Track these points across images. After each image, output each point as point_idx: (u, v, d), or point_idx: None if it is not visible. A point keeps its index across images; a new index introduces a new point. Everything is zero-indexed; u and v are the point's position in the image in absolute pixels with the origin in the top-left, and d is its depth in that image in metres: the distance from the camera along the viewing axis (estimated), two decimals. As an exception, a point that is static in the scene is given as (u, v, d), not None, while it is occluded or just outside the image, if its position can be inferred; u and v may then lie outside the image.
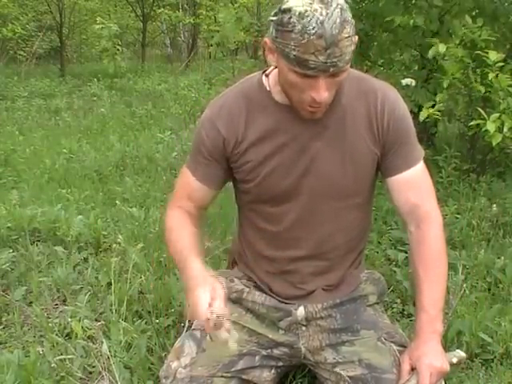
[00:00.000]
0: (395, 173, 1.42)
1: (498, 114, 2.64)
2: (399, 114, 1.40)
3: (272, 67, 1.41)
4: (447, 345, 1.81)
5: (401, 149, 1.40)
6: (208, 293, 1.27)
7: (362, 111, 1.39)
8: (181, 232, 1.48)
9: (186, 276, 1.36)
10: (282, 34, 1.20)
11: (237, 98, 1.45)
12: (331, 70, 1.19)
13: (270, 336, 1.49)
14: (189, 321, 1.46)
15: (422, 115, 2.74)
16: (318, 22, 1.15)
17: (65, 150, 4.57)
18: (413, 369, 1.33)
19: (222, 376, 1.39)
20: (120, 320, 1.90)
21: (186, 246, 1.43)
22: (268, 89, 1.42)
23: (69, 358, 1.74)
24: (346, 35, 1.18)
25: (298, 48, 1.18)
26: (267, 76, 1.44)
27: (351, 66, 1.30)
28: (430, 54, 2.88)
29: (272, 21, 1.23)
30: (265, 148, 1.41)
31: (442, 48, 2.80)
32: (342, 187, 1.42)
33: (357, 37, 1.27)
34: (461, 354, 1.42)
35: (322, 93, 1.23)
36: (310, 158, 1.39)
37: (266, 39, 1.29)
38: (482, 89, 2.76)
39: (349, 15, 1.20)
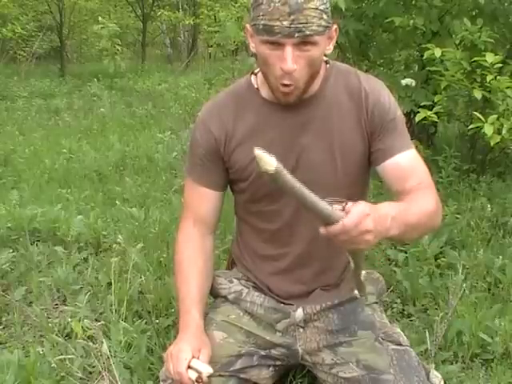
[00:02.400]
0: (386, 158, 1.40)
1: (495, 116, 2.64)
2: (384, 102, 1.41)
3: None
4: (447, 345, 1.81)
5: (388, 135, 1.40)
6: (190, 350, 1.31)
7: (348, 103, 1.41)
8: (188, 274, 1.47)
9: (181, 326, 1.40)
10: (254, 9, 1.27)
11: (226, 97, 1.49)
12: (296, 35, 1.24)
13: (268, 338, 1.49)
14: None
15: (419, 117, 2.73)
16: None
17: (65, 150, 4.56)
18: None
19: (220, 375, 1.39)
20: (120, 320, 1.90)
21: (190, 296, 1.44)
22: (256, 86, 1.45)
23: (69, 358, 1.74)
24: (313, 6, 1.23)
25: (265, 16, 1.25)
26: (255, 75, 1.47)
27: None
28: (425, 57, 2.88)
29: (251, 5, 1.30)
30: (253, 145, 1.42)
31: (437, 53, 2.80)
32: (332, 179, 1.42)
33: (335, 26, 1.33)
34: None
35: (290, 63, 1.26)
36: (298, 152, 1.41)
37: (247, 24, 1.34)
38: (479, 95, 2.76)
39: None
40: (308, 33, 1.24)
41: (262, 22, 1.25)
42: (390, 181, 1.42)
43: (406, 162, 1.40)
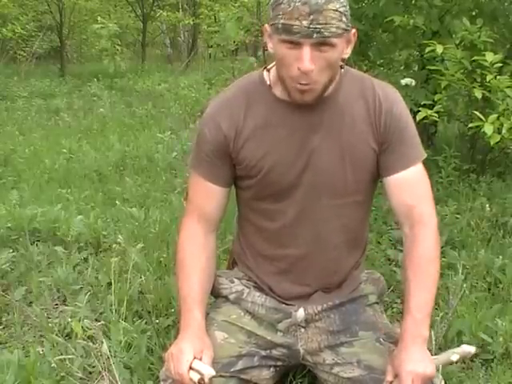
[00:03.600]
0: (391, 172, 1.41)
1: (496, 115, 2.64)
2: (396, 112, 1.40)
3: (273, 63, 1.41)
4: (447, 345, 1.81)
5: (397, 148, 1.40)
6: (192, 351, 1.31)
7: (361, 109, 1.40)
8: (190, 272, 1.46)
9: (182, 325, 1.39)
10: (274, 9, 1.27)
11: (237, 93, 1.46)
12: (314, 35, 1.23)
13: (269, 338, 1.49)
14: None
15: (420, 116, 2.74)
16: None
17: (65, 150, 4.56)
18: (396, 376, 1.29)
19: (221, 376, 1.39)
20: (120, 320, 1.90)
21: (192, 295, 1.42)
22: (268, 83, 1.43)
23: (69, 358, 1.74)
24: (333, 8, 1.23)
25: (284, 16, 1.24)
26: (268, 71, 1.45)
27: (352, 66, 1.31)
28: (427, 52, 2.88)
29: (270, 4, 1.29)
30: (263, 142, 1.41)
31: (439, 49, 2.80)
32: (341, 184, 1.42)
33: (354, 30, 1.33)
34: (465, 349, 1.37)
35: (307, 62, 1.25)
36: (308, 153, 1.40)
37: (265, 25, 1.33)
38: (480, 94, 2.76)
39: None
40: (327, 34, 1.23)
41: (282, 21, 1.24)
42: (390, 195, 1.44)
43: (407, 180, 1.41)
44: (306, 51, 1.24)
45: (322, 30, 1.22)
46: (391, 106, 1.40)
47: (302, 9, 1.21)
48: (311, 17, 1.21)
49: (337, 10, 1.23)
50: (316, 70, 1.27)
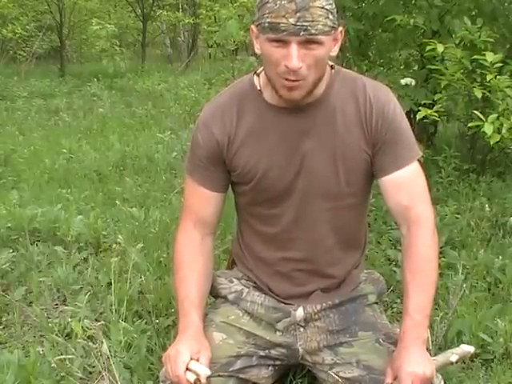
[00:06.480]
0: (385, 173, 1.40)
1: (495, 115, 2.64)
2: (388, 113, 1.39)
3: (262, 68, 1.41)
4: (447, 345, 1.81)
5: (390, 149, 1.39)
6: (188, 352, 1.31)
7: (353, 111, 1.39)
8: (188, 276, 1.46)
9: (180, 328, 1.40)
10: (260, 9, 1.27)
11: (229, 98, 1.46)
12: (301, 33, 1.23)
13: (268, 338, 1.49)
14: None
15: (420, 115, 2.74)
16: None
17: (65, 150, 4.56)
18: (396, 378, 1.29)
19: (219, 376, 1.39)
20: (120, 320, 1.90)
21: (189, 298, 1.43)
22: (259, 88, 1.43)
23: (69, 358, 1.74)
24: (319, 5, 1.23)
25: (271, 14, 1.24)
26: (258, 76, 1.45)
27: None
28: (427, 51, 2.89)
29: (256, 5, 1.29)
30: (256, 149, 1.41)
31: (440, 48, 2.80)
32: (334, 187, 1.42)
33: (340, 28, 1.33)
34: (464, 349, 1.38)
35: (295, 60, 1.24)
36: (301, 157, 1.40)
37: (252, 25, 1.33)
38: (479, 94, 2.76)
39: None
40: (314, 31, 1.23)
41: (268, 20, 1.24)
42: (386, 196, 1.43)
43: (403, 180, 1.40)
44: (294, 49, 1.24)
45: (309, 28, 1.23)
46: (382, 107, 1.39)
47: (289, 6, 1.22)
48: (298, 14, 1.22)
49: (323, 8, 1.24)
50: (304, 68, 1.27)
